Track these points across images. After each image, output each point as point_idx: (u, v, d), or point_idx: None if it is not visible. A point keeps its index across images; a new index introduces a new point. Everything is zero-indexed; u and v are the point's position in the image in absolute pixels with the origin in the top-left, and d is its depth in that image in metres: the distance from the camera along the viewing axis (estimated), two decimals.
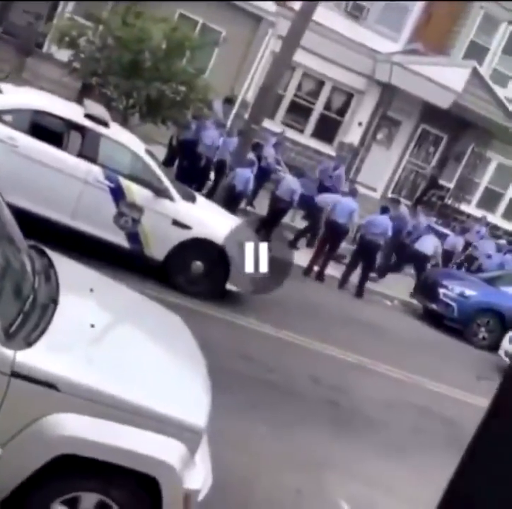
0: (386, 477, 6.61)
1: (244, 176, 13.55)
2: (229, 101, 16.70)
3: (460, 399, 9.90)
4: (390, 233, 14.48)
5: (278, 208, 14.20)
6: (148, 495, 3.83)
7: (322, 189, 15.91)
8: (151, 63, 12.81)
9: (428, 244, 15.47)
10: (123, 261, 8.87)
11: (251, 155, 14.59)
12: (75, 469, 3.72)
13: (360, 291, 13.95)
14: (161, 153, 14.01)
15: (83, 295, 4.64)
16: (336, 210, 13.82)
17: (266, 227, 13.87)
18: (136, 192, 8.96)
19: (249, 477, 5.65)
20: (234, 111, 17.72)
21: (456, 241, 16.93)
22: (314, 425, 7.06)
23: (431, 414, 8.92)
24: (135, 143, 9.36)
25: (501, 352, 12.75)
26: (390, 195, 20.36)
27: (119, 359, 4.16)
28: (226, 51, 17.03)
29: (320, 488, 6.02)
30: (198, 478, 4.07)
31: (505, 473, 1.37)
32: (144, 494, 3.84)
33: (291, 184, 14.22)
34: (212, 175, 15.17)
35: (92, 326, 4.22)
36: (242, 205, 14.47)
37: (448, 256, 16.69)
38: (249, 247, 9.63)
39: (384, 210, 14.76)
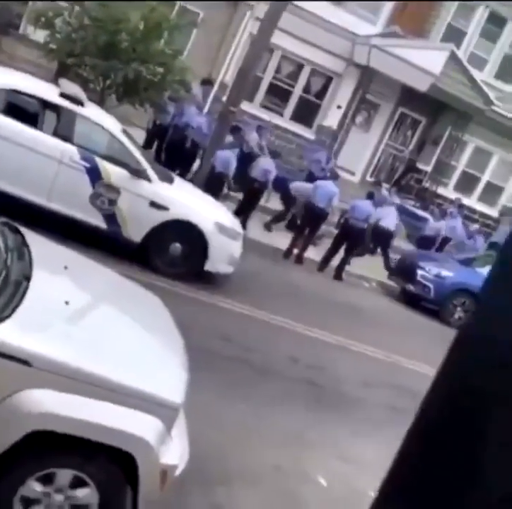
0: (362, 454, 6.67)
1: (224, 158, 13.49)
2: (206, 83, 16.57)
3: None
4: (373, 218, 14.61)
5: (254, 189, 14.16)
6: (124, 471, 3.83)
7: (312, 180, 15.36)
8: (128, 44, 12.66)
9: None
10: (101, 242, 8.82)
11: (231, 139, 14.55)
12: (50, 445, 3.71)
13: (339, 274, 14.01)
14: (139, 135, 13.90)
15: (57, 273, 4.61)
16: (317, 193, 13.83)
17: (243, 210, 13.84)
18: (113, 173, 8.89)
19: (227, 454, 5.67)
20: (212, 93, 17.60)
21: (439, 226, 17.01)
22: (292, 404, 7.10)
23: (407, 392, 8.97)
24: (111, 123, 9.27)
25: None
26: (368, 178, 20.41)
27: (94, 335, 4.14)
28: (204, 33, 16.90)
29: (297, 464, 6.06)
30: (175, 453, 4.07)
31: (453, 437, 1.36)
32: (120, 470, 3.83)
33: (265, 164, 14.19)
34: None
35: (67, 303, 4.19)
36: (226, 190, 14.40)
37: (430, 240, 16.78)
38: (227, 228, 9.62)
39: (370, 195, 14.89)
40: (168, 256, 9.29)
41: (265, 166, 14.14)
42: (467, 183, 21.60)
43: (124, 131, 9.40)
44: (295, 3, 16.46)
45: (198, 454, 4.44)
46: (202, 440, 5.04)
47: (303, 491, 5.71)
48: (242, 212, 13.62)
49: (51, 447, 3.73)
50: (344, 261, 14.12)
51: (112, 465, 3.81)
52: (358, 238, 14.41)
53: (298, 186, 15.11)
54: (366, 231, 14.67)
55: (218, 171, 13.42)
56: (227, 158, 13.51)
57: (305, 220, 14.16)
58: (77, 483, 3.78)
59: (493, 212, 21.77)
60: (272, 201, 15.47)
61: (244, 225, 12.44)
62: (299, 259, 13.87)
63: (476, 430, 1.35)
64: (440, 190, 21.01)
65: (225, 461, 5.57)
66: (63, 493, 3.77)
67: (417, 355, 10.48)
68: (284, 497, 5.56)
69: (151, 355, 4.39)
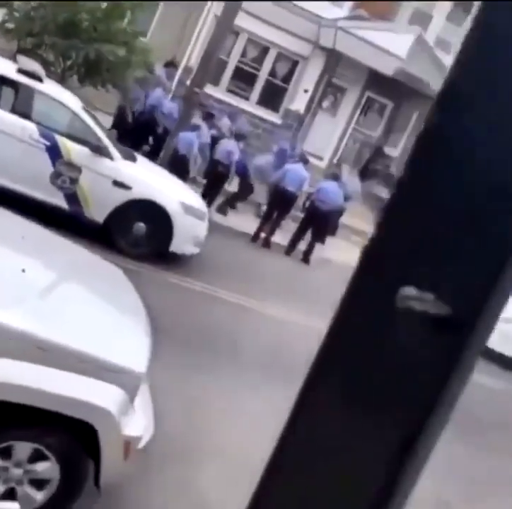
0: None
1: (187, 140, 13.27)
2: (169, 65, 16.28)
3: None
4: (340, 201, 14.49)
5: (218, 172, 13.97)
6: (86, 443, 3.66)
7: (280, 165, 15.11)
8: (89, 23, 12.36)
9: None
10: (62, 223, 8.55)
11: (200, 122, 14.36)
12: (6, 417, 3.52)
13: (306, 257, 13.91)
14: (102, 120, 13.62)
15: (14, 241, 4.40)
16: (287, 177, 13.69)
17: (208, 193, 13.65)
18: (74, 151, 8.64)
19: (194, 429, 5.54)
20: (177, 76, 17.34)
21: None
22: (261, 384, 6.96)
23: None
24: (71, 100, 9.01)
25: None
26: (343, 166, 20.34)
27: (51, 303, 3.94)
28: (168, 14, 16.63)
29: (264, 441, 5.91)
30: (138, 424, 3.91)
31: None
32: (81, 442, 3.66)
33: (228, 146, 14.01)
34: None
35: (23, 270, 4.00)
36: (194, 174, 14.18)
37: None
38: (192, 208, 9.44)
39: (334, 177, 14.73)
40: (132, 236, 9.08)
41: (228, 148, 13.96)
42: None
43: (85, 108, 9.14)
44: None
45: (166, 429, 4.29)
46: (168, 417, 4.91)
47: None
48: (207, 195, 13.43)
49: (8, 419, 3.53)
50: (312, 245, 14.01)
51: (72, 437, 3.64)
52: (324, 220, 14.30)
53: (262, 165, 14.95)
54: (333, 213, 14.56)
55: (182, 154, 13.21)
56: (190, 140, 13.30)
57: (273, 204, 14.02)
58: (37, 456, 3.61)
59: None
60: (235, 184, 15.27)
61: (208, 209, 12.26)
62: (267, 243, 13.73)
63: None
64: None
65: (193, 436, 5.43)
66: (22, 467, 3.60)
67: None
68: (249, 470, 5.42)
69: (112, 324, 4.22)
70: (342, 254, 15.64)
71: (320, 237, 14.46)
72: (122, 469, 3.86)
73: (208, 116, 15.00)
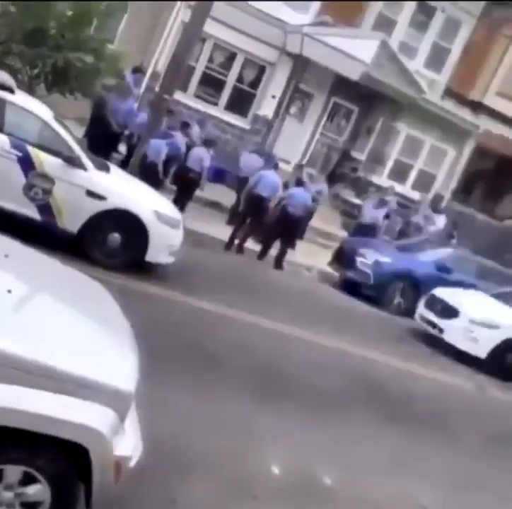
0: (316, 440, 6.61)
1: (156, 147, 13.25)
2: (137, 71, 16.18)
3: (380, 361, 10.10)
4: (309, 204, 14.61)
5: (189, 178, 13.99)
6: (77, 465, 3.63)
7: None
8: (56, 30, 12.24)
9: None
10: (35, 235, 8.45)
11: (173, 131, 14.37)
12: None
13: (279, 263, 13.96)
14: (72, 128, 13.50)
15: None
16: (260, 183, 13.75)
17: (179, 200, 13.62)
18: (46, 162, 8.56)
19: (179, 444, 5.52)
20: (144, 82, 17.25)
21: (377, 214, 17.12)
22: (242, 392, 6.97)
23: (354, 377, 9.02)
24: (43, 110, 8.92)
25: (417, 316, 13.06)
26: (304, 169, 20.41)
27: (39, 324, 3.90)
28: (135, 20, 16.53)
29: (250, 452, 5.94)
30: (129, 444, 3.89)
31: None
32: (73, 463, 3.63)
33: (198, 153, 14.04)
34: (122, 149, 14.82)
35: (9, 291, 3.95)
36: (168, 183, 14.16)
37: (370, 229, 16.89)
38: (167, 216, 9.41)
39: (298, 182, 14.84)
40: (107, 247, 9.02)
41: (199, 155, 13.99)
42: (400, 171, 21.90)
43: (56, 119, 9.06)
44: None
45: (150, 446, 4.27)
46: (152, 433, 4.87)
47: (257, 480, 5.60)
48: (178, 202, 13.39)
49: None
50: (283, 250, 14.06)
51: (63, 459, 3.61)
52: (296, 225, 14.38)
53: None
54: (303, 218, 14.65)
55: (150, 160, 13.19)
56: (159, 147, 13.29)
57: (247, 210, 14.05)
58: (28, 479, 3.57)
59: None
60: (207, 191, 15.26)
61: None
62: (240, 249, 13.76)
63: None
64: (375, 178, 21.22)
65: (177, 453, 5.40)
66: (12, 490, 3.56)
67: (361, 341, 10.54)
68: (238, 486, 5.43)
69: (99, 343, 4.18)
70: (311, 257, 15.79)
71: (291, 242, 14.54)
72: (113, 490, 3.83)
73: (185, 126, 14.99)
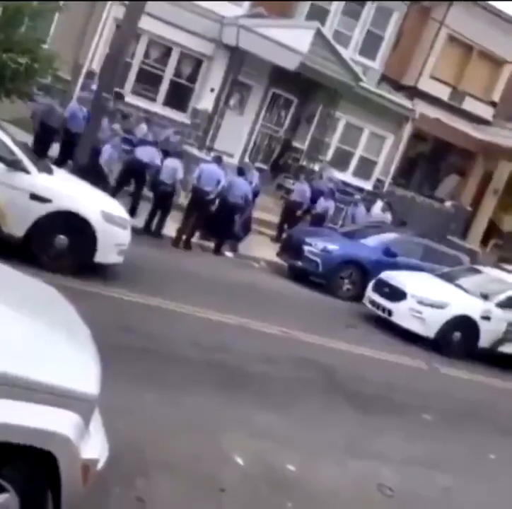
0: (275, 429, 6.70)
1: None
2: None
3: (332, 347, 10.26)
4: (250, 195, 14.71)
5: (163, 191, 13.85)
6: (44, 470, 3.61)
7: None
8: None
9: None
10: None
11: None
12: None
13: (217, 249, 14.29)
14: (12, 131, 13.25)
15: None
16: (202, 178, 13.74)
17: (158, 211, 13.69)
18: None
19: (142, 444, 5.52)
20: (80, 81, 17.03)
21: (327, 204, 17.34)
22: (200, 387, 7.01)
23: (307, 364, 9.15)
24: None
25: (366, 300, 13.30)
26: (247, 160, 20.49)
27: None
28: (67, 19, 16.25)
29: (213, 446, 5.99)
30: (95, 447, 3.89)
31: None
32: (40, 470, 3.61)
33: (171, 164, 13.92)
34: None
35: None
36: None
37: (320, 218, 17.10)
38: (114, 216, 9.34)
39: (240, 171, 14.94)
40: (54, 249, 8.92)
41: (172, 166, 13.82)
42: (341, 159, 22.16)
43: None
44: None
45: (114, 449, 4.27)
46: (116, 434, 4.86)
47: (222, 473, 5.64)
48: (156, 214, 13.70)
49: None
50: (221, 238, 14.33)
51: (30, 466, 3.58)
52: (235, 215, 14.55)
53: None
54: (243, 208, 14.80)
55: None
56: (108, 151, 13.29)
57: (191, 205, 14.04)
58: None
59: (368, 186, 22.48)
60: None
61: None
62: (187, 245, 13.75)
63: None
64: (317, 167, 21.41)
65: (141, 453, 5.41)
66: None
67: (312, 328, 10.69)
68: (204, 481, 5.47)
69: (59, 348, 4.14)
70: (259, 249, 15.89)
71: (230, 231, 14.64)
72: (82, 494, 3.83)
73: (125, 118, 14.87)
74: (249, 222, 15.39)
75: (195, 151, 17.79)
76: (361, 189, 22.04)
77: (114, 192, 13.08)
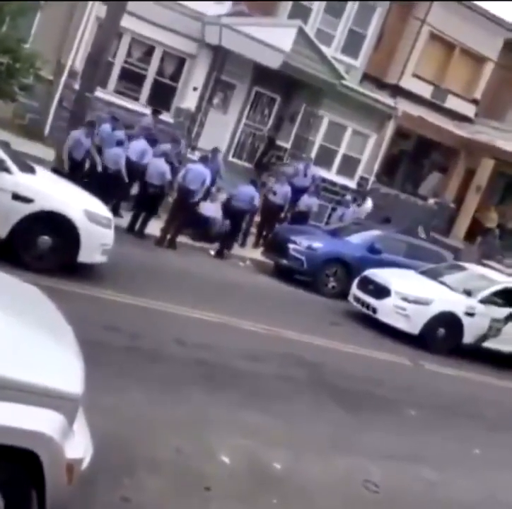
0: (261, 426, 6.70)
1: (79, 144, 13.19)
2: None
3: (317, 345, 10.29)
4: (256, 202, 15.13)
5: (108, 175, 13.85)
6: (28, 470, 3.60)
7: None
8: None
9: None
10: None
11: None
12: None
13: (221, 253, 14.47)
14: None
15: None
16: (188, 177, 13.73)
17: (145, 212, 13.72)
18: None
19: (128, 443, 5.51)
20: (62, 80, 16.92)
21: (311, 202, 17.32)
22: (185, 385, 7.01)
23: (293, 361, 9.16)
24: None
25: (351, 298, 13.34)
26: (231, 159, 20.48)
27: None
28: (48, 18, 16.15)
29: (199, 445, 5.99)
30: (79, 447, 3.88)
31: None
32: (24, 470, 3.60)
33: (159, 166, 13.87)
34: None
35: None
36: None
37: (303, 215, 17.09)
38: (97, 216, 9.31)
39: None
40: (37, 250, 8.88)
41: (159, 169, 13.77)
42: (325, 157, 22.18)
43: None
44: None
45: (99, 446, 4.26)
46: (101, 432, 4.84)
47: (208, 471, 5.64)
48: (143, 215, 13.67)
49: None
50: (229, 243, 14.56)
51: (14, 466, 3.57)
52: (242, 220, 15.12)
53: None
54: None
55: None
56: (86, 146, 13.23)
57: (176, 204, 14.02)
58: None
59: (352, 184, 22.53)
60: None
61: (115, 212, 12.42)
62: (172, 244, 13.72)
63: None
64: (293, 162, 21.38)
65: (126, 450, 5.40)
66: None
67: (297, 325, 10.70)
68: (190, 479, 5.47)
69: (43, 348, 4.12)
70: (244, 247, 15.89)
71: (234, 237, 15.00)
72: (67, 493, 3.82)
73: (90, 125, 14.58)
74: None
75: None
76: (345, 187, 22.08)
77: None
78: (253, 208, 15.43)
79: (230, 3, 19.37)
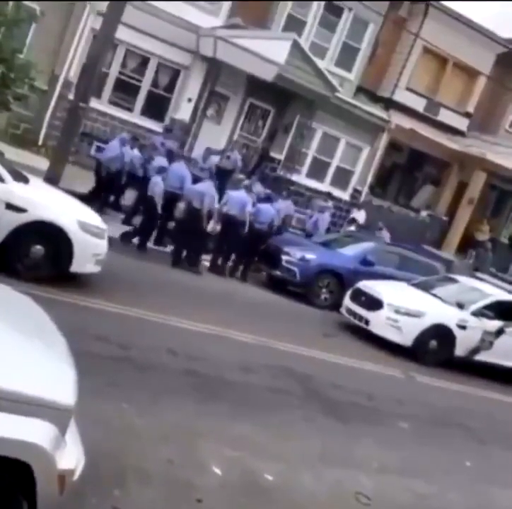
0: (252, 438, 6.70)
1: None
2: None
3: (309, 356, 10.29)
4: (276, 221, 15.09)
5: (105, 177, 13.89)
6: (19, 481, 3.59)
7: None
8: None
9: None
10: None
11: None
12: None
13: (244, 275, 14.53)
14: None
15: None
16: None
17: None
18: None
19: (119, 453, 5.49)
20: (57, 90, 16.96)
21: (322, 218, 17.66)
22: (176, 396, 7.00)
23: (285, 373, 9.16)
24: None
25: (343, 309, 13.36)
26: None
27: None
28: (43, 29, 16.21)
29: (190, 456, 5.98)
30: (71, 457, 3.87)
31: None
32: (15, 480, 3.59)
33: (180, 171, 13.95)
34: None
35: None
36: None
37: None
38: (91, 226, 9.30)
39: (268, 199, 15.26)
40: (30, 259, 8.85)
41: (180, 174, 13.84)
42: (318, 169, 22.27)
43: None
44: None
45: (90, 458, 4.25)
46: (92, 443, 4.83)
47: (199, 483, 5.63)
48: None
49: None
50: (248, 264, 14.67)
51: (5, 476, 3.56)
52: (261, 240, 14.90)
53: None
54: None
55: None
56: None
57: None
58: None
59: (345, 195, 22.61)
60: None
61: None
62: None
63: None
64: (294, 177, 21.52)
65: (117, 461, 5.39)
66: None
67: (290, 337, 10.70)
68: (181, 491, 5.46)
69: (35, 358, 4.12)
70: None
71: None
72: (58, 504, 3.81)
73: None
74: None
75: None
76: (338, 199, 22.17)
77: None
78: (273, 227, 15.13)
79: (226, 15, 19.48)
